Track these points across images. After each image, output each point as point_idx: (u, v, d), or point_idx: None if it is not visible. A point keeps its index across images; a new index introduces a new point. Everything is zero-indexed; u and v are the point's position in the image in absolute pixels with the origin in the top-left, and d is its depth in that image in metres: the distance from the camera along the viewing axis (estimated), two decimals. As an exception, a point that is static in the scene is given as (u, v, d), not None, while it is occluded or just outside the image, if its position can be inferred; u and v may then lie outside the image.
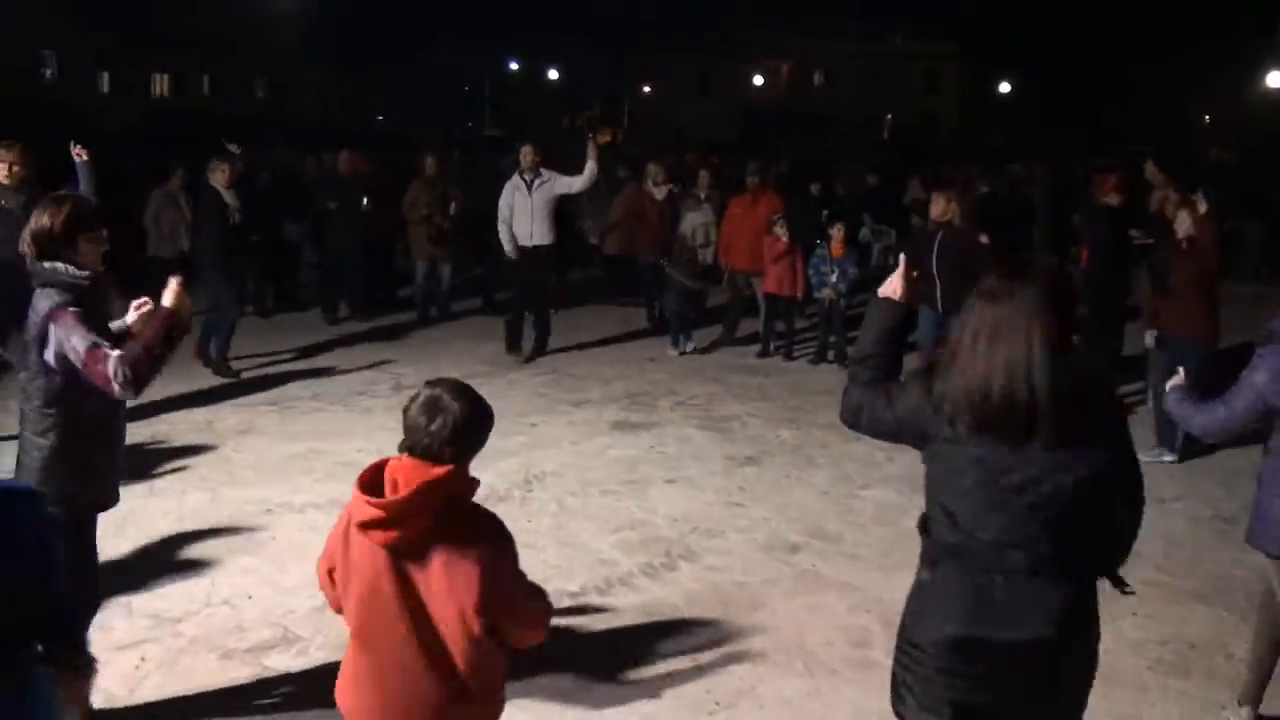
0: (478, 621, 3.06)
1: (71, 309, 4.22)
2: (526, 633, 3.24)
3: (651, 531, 7.03)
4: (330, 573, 3.28)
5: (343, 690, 3.28)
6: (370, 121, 48.27)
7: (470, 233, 13.48)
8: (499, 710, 3.33)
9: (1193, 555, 6.96)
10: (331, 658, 5.29)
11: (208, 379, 10.28)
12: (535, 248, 11.27)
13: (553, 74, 68.80)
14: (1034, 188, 16.91)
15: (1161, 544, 7.00)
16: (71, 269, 4.33)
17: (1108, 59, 54.84)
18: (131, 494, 6.91)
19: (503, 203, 11.31)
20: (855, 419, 3.49)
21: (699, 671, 5.30)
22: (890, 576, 6.23)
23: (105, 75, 44.40)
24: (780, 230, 11.61)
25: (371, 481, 3.11)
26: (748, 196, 12.40)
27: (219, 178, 10.60)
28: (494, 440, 8.16)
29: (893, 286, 3.52)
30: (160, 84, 48.74)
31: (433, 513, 3.03)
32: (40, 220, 4.35)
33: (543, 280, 11.72)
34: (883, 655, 5.44)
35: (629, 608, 5.90)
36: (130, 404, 4.66)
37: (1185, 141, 47.31)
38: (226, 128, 16.71)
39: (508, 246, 11.29)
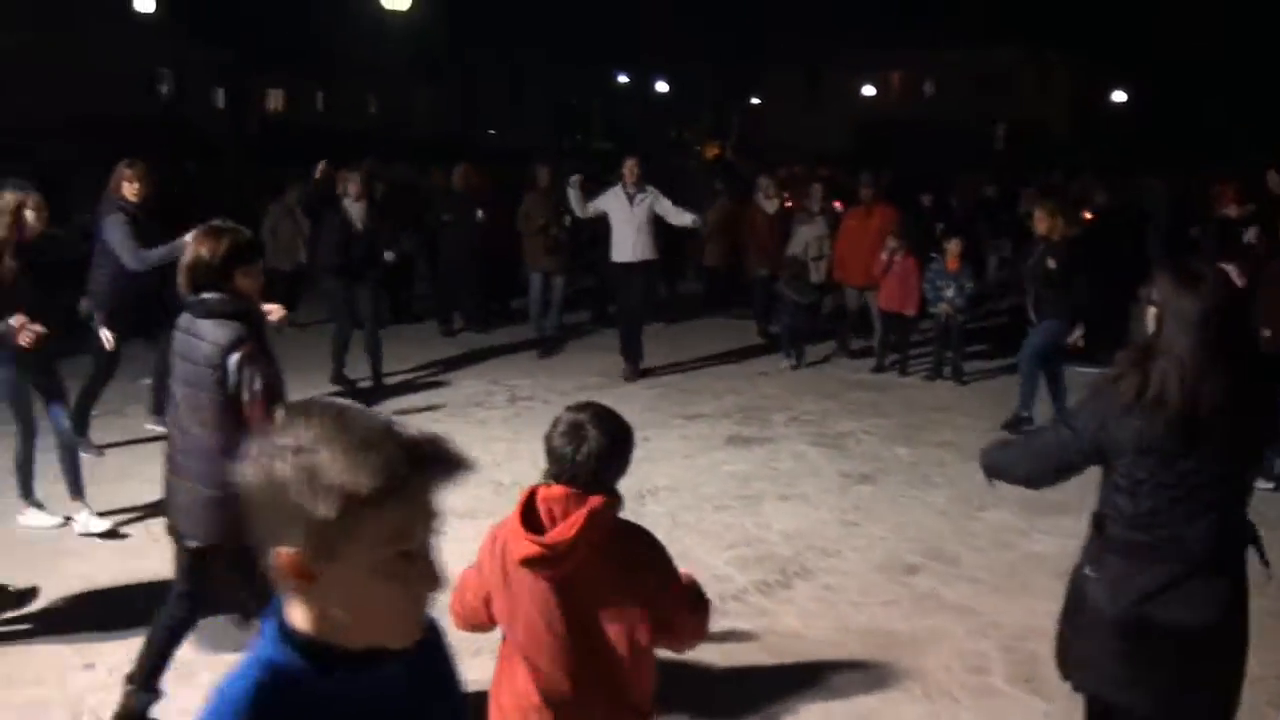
0: (646, 636, 3.11)
1: (252, 345, 4.38)
2: (691, 639, 3.35)
3: (766, 548, 6.97)
4: (487, 600, 3.23)
5: (507, 709, 3.25)
6: (482, 136, 48.75)
7: (582, 245, 13.56)
8: None
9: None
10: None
11: (325, 389, 10.38)
12: (639, 263, 11.21)
13: (661, 86, 68.90)
14: (1151, 198, 16.54)
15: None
16: (236, 300, 4.44)
17: (1223, 65, 53.57)
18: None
19: (598, 202, 11.30)
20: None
21: (815, 694, 5.23)
22: (1010, 600, 6.13)
23: (220, 91, 45.38)
24: (896, 243, 11.49)
25: (527, 513, 3.07)
26: (862, 209, 12.28)
27: (351, 191, 10.66)
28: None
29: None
30: (275, 100, 49.69)
31: (594, 543, 3.02)
32: (198, 251, 4.44)
33: (646, 295, 11.69)
34: (1002, 682, 5.36)
35: (744, 626, 5.85)
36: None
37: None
38: (341, 142, 17.01)
39: (577, 207, 11.30)
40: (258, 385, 4.33)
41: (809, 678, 5.36)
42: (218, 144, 27.89)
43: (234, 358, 4.36)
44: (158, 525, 6.60)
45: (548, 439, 3.11)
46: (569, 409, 3.18)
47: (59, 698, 5.05)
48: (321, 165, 10.93)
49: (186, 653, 5.06)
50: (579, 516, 2.99)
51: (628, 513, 7.37)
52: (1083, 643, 3.71)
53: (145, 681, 4.77)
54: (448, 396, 10.46)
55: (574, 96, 63.65)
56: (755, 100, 70.22)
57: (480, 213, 13.00)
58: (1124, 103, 62.53)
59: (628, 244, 11.14)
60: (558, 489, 3.06)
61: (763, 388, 11.09)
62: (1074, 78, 63.59)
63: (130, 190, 8.29)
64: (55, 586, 6.15)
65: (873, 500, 7.91)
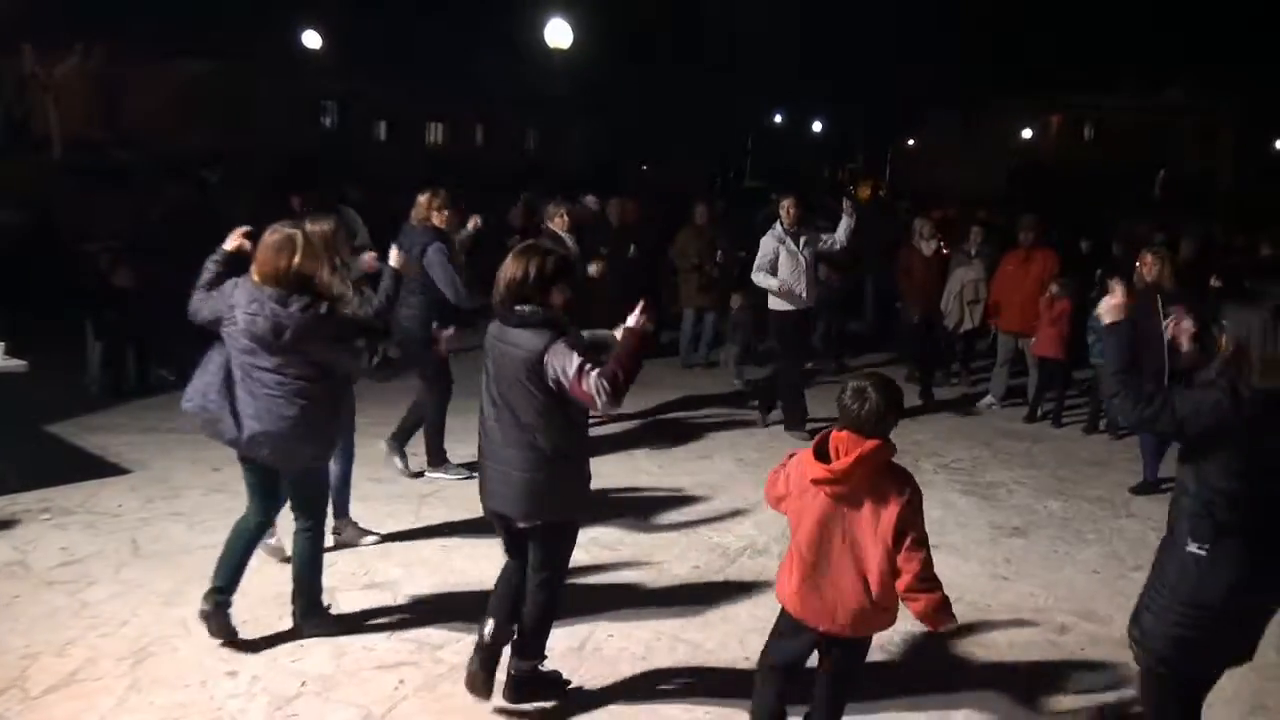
0: (891, 552, 4.35)
1: (562, 339, 4.78)
2: (911, 596, 4.39)
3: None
4: (779, 500, 4.66)
5: (788, 591, 4.59)
6: (634, 170, 49.12)
7: (734, 282, 13.51)
8: (893, 619, 4.59)
9: None
10: (592, 698, 5.31)
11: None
12: (803, 310, 10.69)
13: (816, 126, 68.72)
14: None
15: None
16: (549, 311, 4.89)
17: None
18: (399, 518, 7.10)
19: (766, 252, 10.46)
20: (1141, 424, 4.27)
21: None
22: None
23: (383, 124, 46.37)
24: (1059, 290, 11.25)
25: (820, 448, 4.44)
26: (1021, 253, 12.03)
27: (558, 223, 10.63)
28: (750, 494, 8.13)
29: (1111, 306, 4.46)
30: (434, 132, 50.60)
31: (865, 474, 4.32)
32: (518, 269, 4.86)
33: (810, 342, 11.35)
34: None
35: (894, 676, 5.76)
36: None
37: None
38: (499, 175, 17.25)
39: (772, 286, 10.38)
40: (570, 368, 4.68)
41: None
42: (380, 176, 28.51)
43: (547, 356, 4.75)
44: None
45: (839, 398, 4.43)
46: (855, 378, 4.50)
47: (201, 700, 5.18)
48: (523, 199, 11.02)
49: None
50: (856, 454, 4.29)
51: (773, 552, 7.36)
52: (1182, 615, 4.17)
53: (535, 652, 5.29)
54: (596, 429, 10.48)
55: (731, 134, 63.72)
56: (911, 141, 69.66)
57: (633, 248, 13.03)
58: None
59: (800, 290, 10.46)
60: (845, 434, 4.38)
61: (912, 433, 10.87)
62: (1239, 125, 61.70)
63: (440, 219, 8.51)
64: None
65: (1024, 554, 7.71)
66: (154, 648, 5.68)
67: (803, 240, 10.51)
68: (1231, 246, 17.70)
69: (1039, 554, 7.76)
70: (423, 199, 8.56)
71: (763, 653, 4.84)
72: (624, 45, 45.88)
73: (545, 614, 5.18)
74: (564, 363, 4.71)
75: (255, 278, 5.50)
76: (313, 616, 5.87)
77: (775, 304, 10.57)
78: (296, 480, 5.78)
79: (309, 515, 5.85)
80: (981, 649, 6.21)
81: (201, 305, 5.75)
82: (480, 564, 6.91)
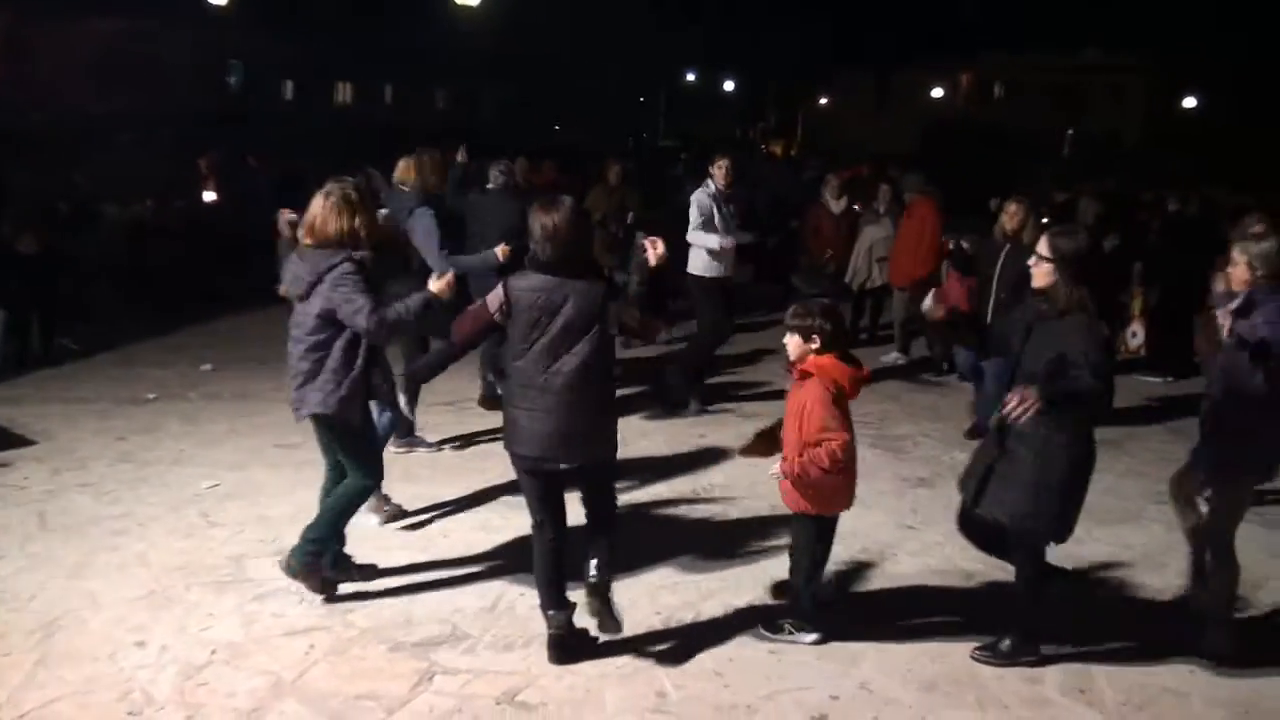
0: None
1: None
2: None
3: (820, 551, 6.92)
4: None
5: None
6: (548, 131, 48.80)
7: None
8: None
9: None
10: (499, 656, 5.35)
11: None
12: (726, 278, 10.21)
13: (728, 85, 68.77)
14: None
15: None
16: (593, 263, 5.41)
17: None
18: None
19: (702, 209, 9.83)
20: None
21: (868, 697, 5.22)
22: (1067, 609, 6.06)
23: (289, 84, 45.64)
24: (968, 246, 11.39)
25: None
26: (908, 210, 12.40)
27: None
28: (664, 451, 8.17)
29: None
30: (342, 92, 49.95)
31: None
32: (567, 222, 5.13)
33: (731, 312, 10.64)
34: (1055, 692, 5.32)
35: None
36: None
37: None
38: (410, 137, 17.10)
39: (713, 244, 9.76)
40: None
41: (861, 682, 5.35)
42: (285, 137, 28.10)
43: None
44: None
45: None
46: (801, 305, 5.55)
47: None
48: (462, 152, 10.96)
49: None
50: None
51: (682, 509, 7.41)
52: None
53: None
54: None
55: (642, 94, 63.55)
56: (823, 100, 69.89)
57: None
58: (1195, 108, 61.43)
59: (729, 259, 10.05)
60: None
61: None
62: (1149, 85, 62.52)
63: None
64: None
65: (930, 504, 7.83)
66: (63, 621, 5.62)
67: (731, 206, 10.07)
68: (1139, 203, 18.06)
69: (944, 503, 7.82)
70: (404, 163, 8.56)
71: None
72: (535, 3, 45.50)
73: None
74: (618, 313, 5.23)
75: (309, 240, 5.65)
76: (299, 559, 5.78)
77: (697, 268, 10.03)
78: (332, 438, 5.88)
79: (351, 471, 5.90)
80: (888, 598, 6.32)
81: None
82: (387, 530, 6.95)
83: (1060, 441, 5.17)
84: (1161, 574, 6.78)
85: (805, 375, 5.44)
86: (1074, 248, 5.19)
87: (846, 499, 5.72)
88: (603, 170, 13.79)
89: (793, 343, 5.46)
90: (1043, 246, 5.28)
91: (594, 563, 5.43)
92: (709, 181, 10.04)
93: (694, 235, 9.88)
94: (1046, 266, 5.23)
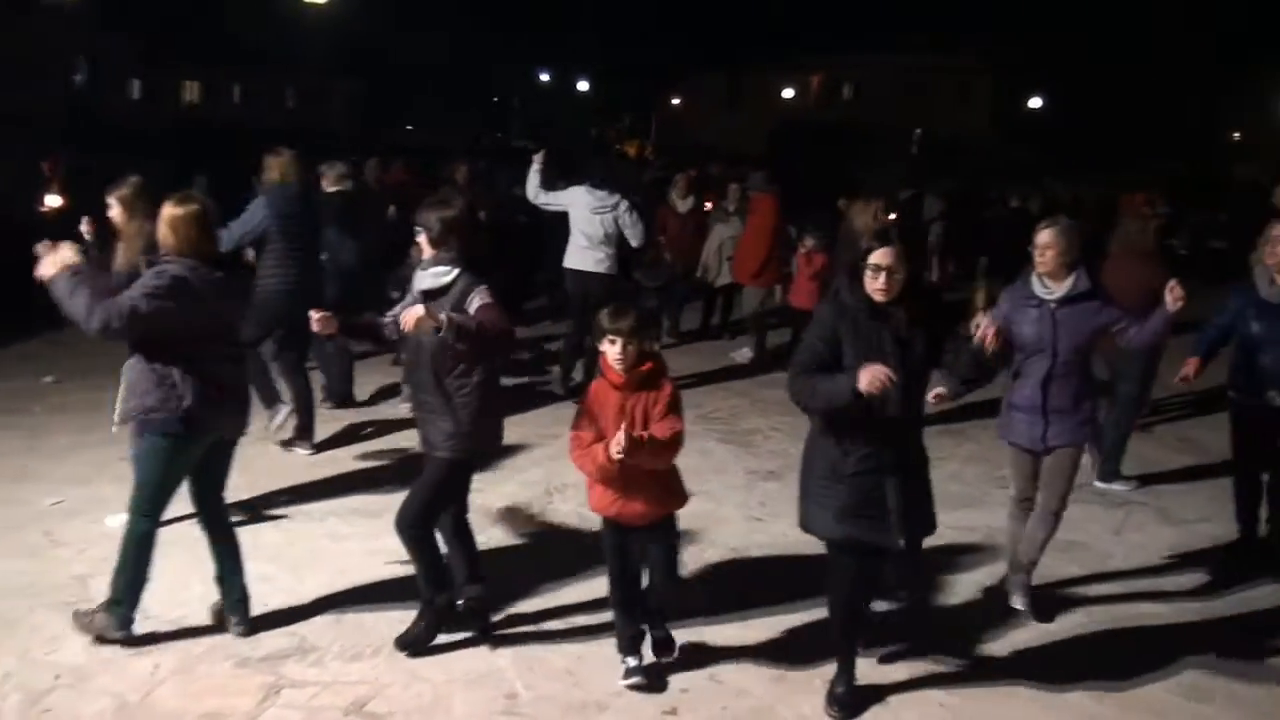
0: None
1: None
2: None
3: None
4: None
5: None
6: (400, 131, 48.35)
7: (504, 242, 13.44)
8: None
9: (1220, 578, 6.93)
10: (347, 667, 5.28)
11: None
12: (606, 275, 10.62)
13: (582, 85, 68.87)
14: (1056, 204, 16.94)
15: (1189, 568, 7.09)
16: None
17: (1137, 76, 54.51)
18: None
19: (561, 194, 10.62)
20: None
21: (718, 689, 5.28)
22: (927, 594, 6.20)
23: (136, 82, 44.56)
24: (814, 244, 11.59)
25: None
26: (756, 210, 12.57)
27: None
28: (518, 451, 8.13)
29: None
30: (191, 91, 48.97)
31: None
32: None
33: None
34: (903, 673, 5.41)
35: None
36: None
37: (1213, 158, 47.30)
38: (258, 136, 16.78)
39: (532, 190, 10.61)
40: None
41: (709, 672, 5.41)
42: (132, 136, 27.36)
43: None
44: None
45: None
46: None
47: None
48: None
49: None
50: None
51: (535, 508, 7.39)
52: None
53: None
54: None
55: (496, 94, 63.36)
56: (676, 100, 70.34)
57: (392, 209, 12.84)
58: (1040, 109, 63.21)
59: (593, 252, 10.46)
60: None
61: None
62: (994, 84, 64.20)
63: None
64: None
65: (778, 496, 7.92)
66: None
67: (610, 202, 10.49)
68: (984, 199, 18.56)
69: (792, 495, 7.90)
70: (276, 160, 8.55)
71: None
72: (387, 2, 45.06)
73: None
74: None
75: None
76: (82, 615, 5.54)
77: (575, 262, 10.51)
78: None
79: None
80: (736, 590, 6.39)
81: None
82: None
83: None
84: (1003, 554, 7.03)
85: (644, 380, 5.11)
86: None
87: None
88: (451, 171, 13.68)
89: (618, 346, 5.00)
90: (887, 255, 4.83)
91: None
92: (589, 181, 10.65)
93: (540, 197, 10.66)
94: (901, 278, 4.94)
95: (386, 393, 10.31)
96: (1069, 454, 6.07)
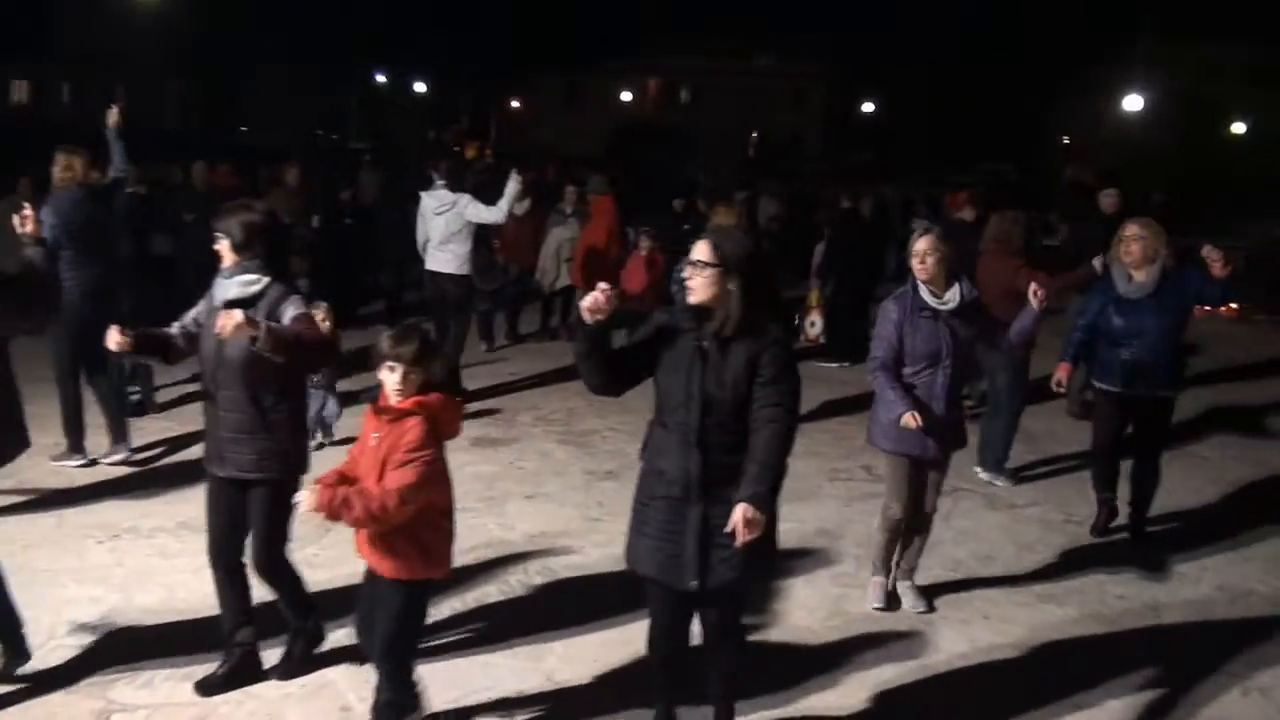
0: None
1: None
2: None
3: (509, 549, 6.96)
4: None
5: None
6: (233, 131, 47.37)
7: (335, 244, 13.25)
8: None
9: (1044, 558, 7.17)
10: (178, 687, 5.14)
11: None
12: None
13: (420, 86, 68.16)
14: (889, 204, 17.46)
15: (1015, 549, 7.36)
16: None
17: (970, 81, 56.07)
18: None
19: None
20: None
21: (550, 685, 5.28)
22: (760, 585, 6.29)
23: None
24: (652, 245, 11.68)
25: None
26: (595, 212, 12.75)
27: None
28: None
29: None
30: (20, 91, 47.40)
31: None
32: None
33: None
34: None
35: (482, 630, 5.84)
36: None
37: (1045, 160, 49.04)
38: (86, 136, 16.25)
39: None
40: None
41: (547, 676, 5.40)
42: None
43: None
44: None
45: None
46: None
47: None
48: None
49: None
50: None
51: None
52: None
53: None
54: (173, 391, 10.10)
55: (332, 95, 62.34)
56: (515, 103, 70.14)
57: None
58: (873, 113, 64.65)
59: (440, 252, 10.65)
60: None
61: (513, 388, 11.10)
62: (828, 89, 65.48)
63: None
64: None
65: (616, 496, 7.92)
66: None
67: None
68: (818, 201, 18.92)
69: (629, 494, 7.99)
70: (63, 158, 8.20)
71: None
72: (221, 1, 44.09)
73: None
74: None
75: None
76: None
77: (430, 264, 10.70)
78: None
79: None
80: (575, 589, 6.41)
81: None
82: (59, 563, 6.57)
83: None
84: (836, 542, 7.28)
85: (403, 414, 4.42)
86: (740, 251, 4.35)
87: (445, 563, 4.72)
88: (281, 172, 13.44)
89: (398, 374, 4.41)
90: (704, 249, 4.34)
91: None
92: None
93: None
94: (713, 274, 4.29)
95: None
96: (945, 462, 6.20)
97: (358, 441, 4.65)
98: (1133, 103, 50.40)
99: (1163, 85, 50.49)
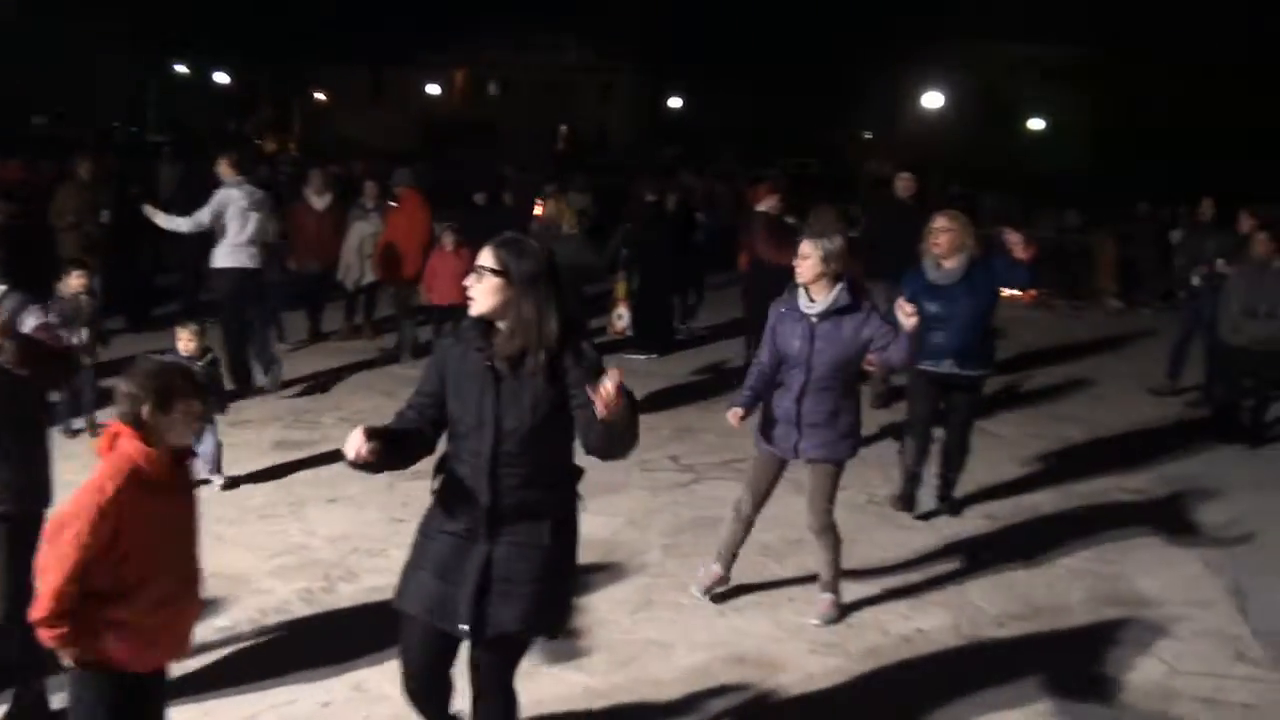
0: None
1: None
2: None
3: (310, 555, 6.81)
4: None
5: None
6: (26, 123, 45.34)
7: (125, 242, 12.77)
8: None
9: (850, 539, 7.32)
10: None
11: None
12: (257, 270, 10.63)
13: (222, 78, 66.25)
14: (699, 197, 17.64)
15: None
16: None
17: (775, 76, 56.95)
18: None
19: (210, 212, 10.29)
20: None
21: (361, 697, 5.18)
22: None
23: None
24: (455, 239, 11.56)
25: None
26: (398, 205, 12.66)
27: None
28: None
29: None
30: None
31: None
32: None
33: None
34: (540, 659, 5.43)
35: (283, 638, 5.69)
36: None
37: (847, 155, 50.36)
38: None
39: (177, 225, 10.48)
40: None
41: (351, 680, 5.30)
42: None
43: None
44: None
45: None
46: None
47: None
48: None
49: None
50: None
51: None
52: None
53: None
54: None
55: (130, 86, 60.11)
56: (319, 95, 68.77)
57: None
58: (680, 108, 65.27)
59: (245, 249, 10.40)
60: None
61: (313, 391, 10.81)
62: (635, 84, 65.96)
63: None
64: None
65: (421, 496, 7.75)
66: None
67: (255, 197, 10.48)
68: (626, 194, 18.98)
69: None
70: None
71: None
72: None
73: None
74: None
75: None
76: None
77: (221, 260, 10.37)
78: None
79: None
80: (378, 594, 6.26)
81: None
82: None
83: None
84: (644, 533, 7.38)
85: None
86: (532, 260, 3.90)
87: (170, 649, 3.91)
88: (74, 166, 12.90)
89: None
90: (486, 256, 3.93)
91: None
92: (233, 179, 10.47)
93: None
94: (496, 282, 3.88)
95: None
96: (824, 470, 6.07)
97: None
98: (932, 100, 52.25)
99: (962, 83, 52.29)
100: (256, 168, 15.11)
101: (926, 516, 7.99)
